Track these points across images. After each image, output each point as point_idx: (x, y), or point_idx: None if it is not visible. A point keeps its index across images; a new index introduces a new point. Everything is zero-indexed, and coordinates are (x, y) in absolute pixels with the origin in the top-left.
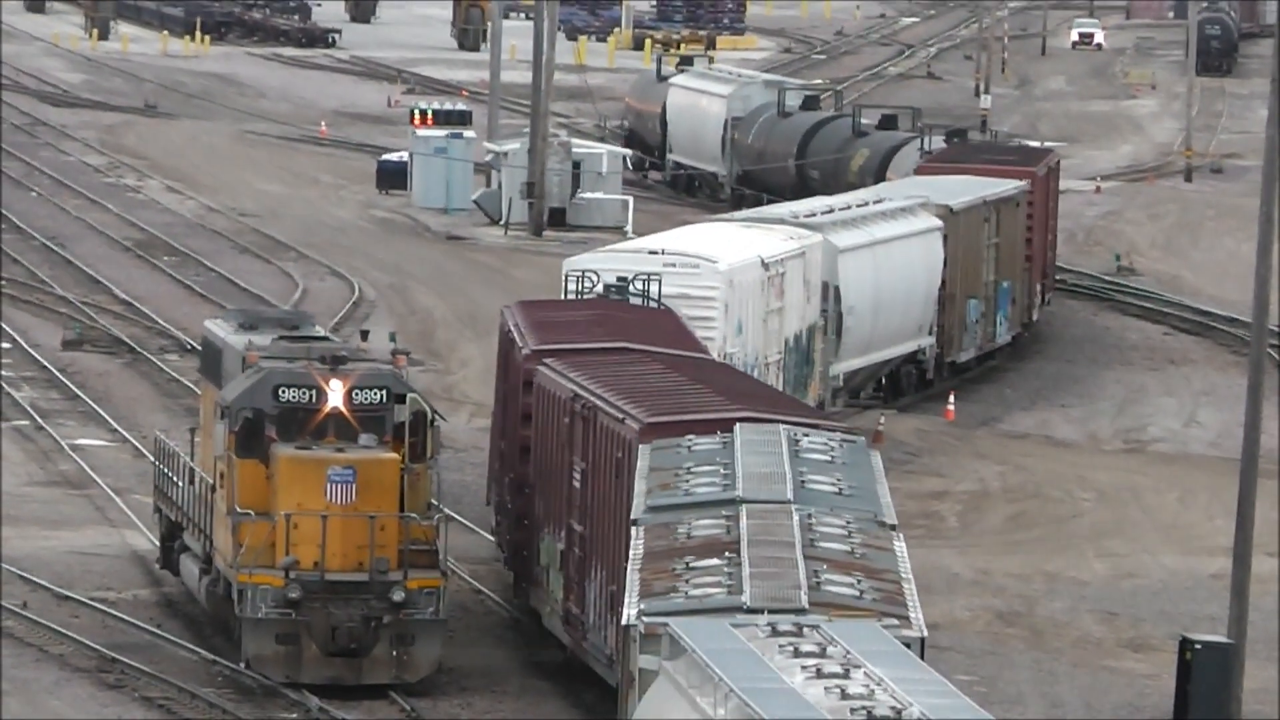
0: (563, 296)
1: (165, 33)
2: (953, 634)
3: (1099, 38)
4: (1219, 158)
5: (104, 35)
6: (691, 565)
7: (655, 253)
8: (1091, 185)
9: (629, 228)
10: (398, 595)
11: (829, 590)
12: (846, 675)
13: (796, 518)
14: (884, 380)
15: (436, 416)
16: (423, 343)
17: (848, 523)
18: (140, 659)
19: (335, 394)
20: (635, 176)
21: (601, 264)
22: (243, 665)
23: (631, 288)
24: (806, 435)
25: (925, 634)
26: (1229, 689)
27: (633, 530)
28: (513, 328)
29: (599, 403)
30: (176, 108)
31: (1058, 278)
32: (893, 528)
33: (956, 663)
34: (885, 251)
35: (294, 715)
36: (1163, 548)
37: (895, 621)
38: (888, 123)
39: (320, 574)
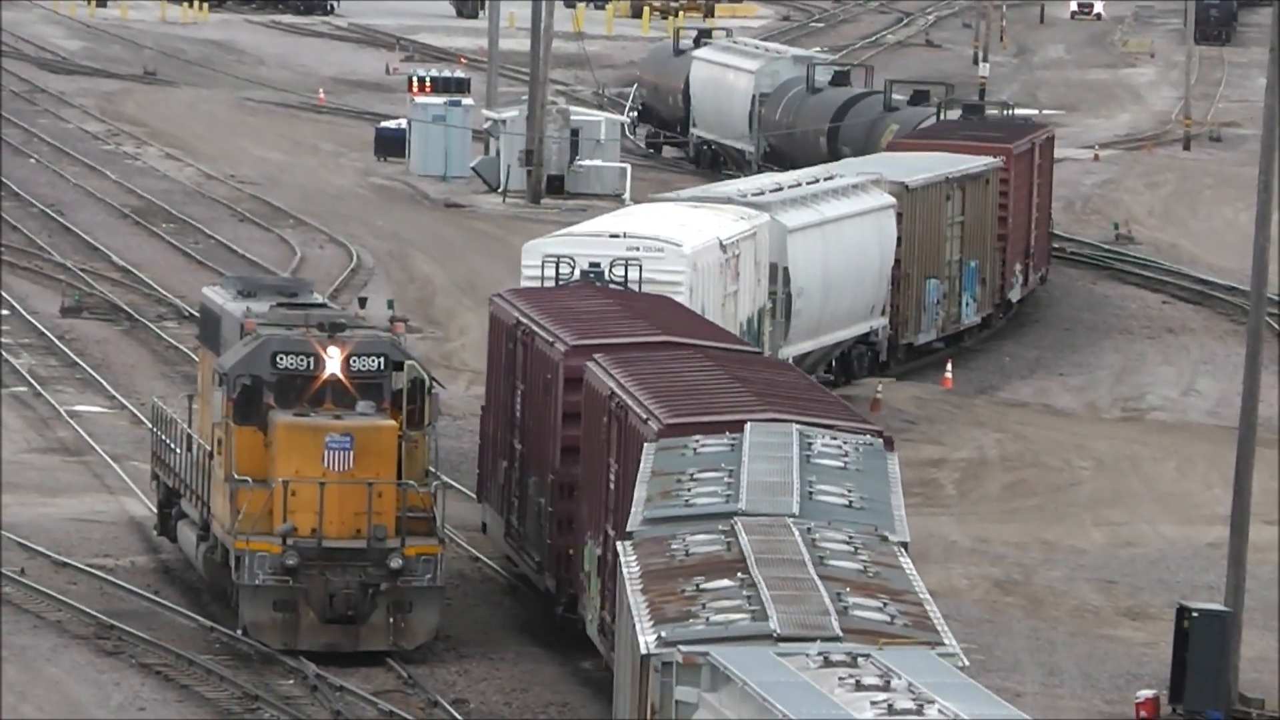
0: (522, 281)
1: (163, 0)
2: (950, 602)
3: (1098, 7)
4: (1217, 126)
5: (103, 2)
6: (702, 587)
7: (617, 236)
8: (1090, 154)
9: (627, 195)
10: (395, 562)
11: (858, 616)
12: (921, 711)
13: (797, 533)
14: (834, 363)
15: (434, 384)
16: (421, 310)
17: (850, 538)
18: (138, 626)
19: (333, 361)
20: (632, 144)
21: (562, 248)
22: (240, 632)
23: (609, 273)
24: (821, 437)
25: (967, 663)
26: (1226, 657)
27: (620, 546)
28: (526, 319)
29: (630, 401)
30: (175, 75)
31: (1055, 246)
32: (903, 545)
33: (954, 631)
34: (836, 230)
35: (291, 682)
36: (1161, 516)
37: (944, 649)
38: (919, 98)
39: (318, 541)
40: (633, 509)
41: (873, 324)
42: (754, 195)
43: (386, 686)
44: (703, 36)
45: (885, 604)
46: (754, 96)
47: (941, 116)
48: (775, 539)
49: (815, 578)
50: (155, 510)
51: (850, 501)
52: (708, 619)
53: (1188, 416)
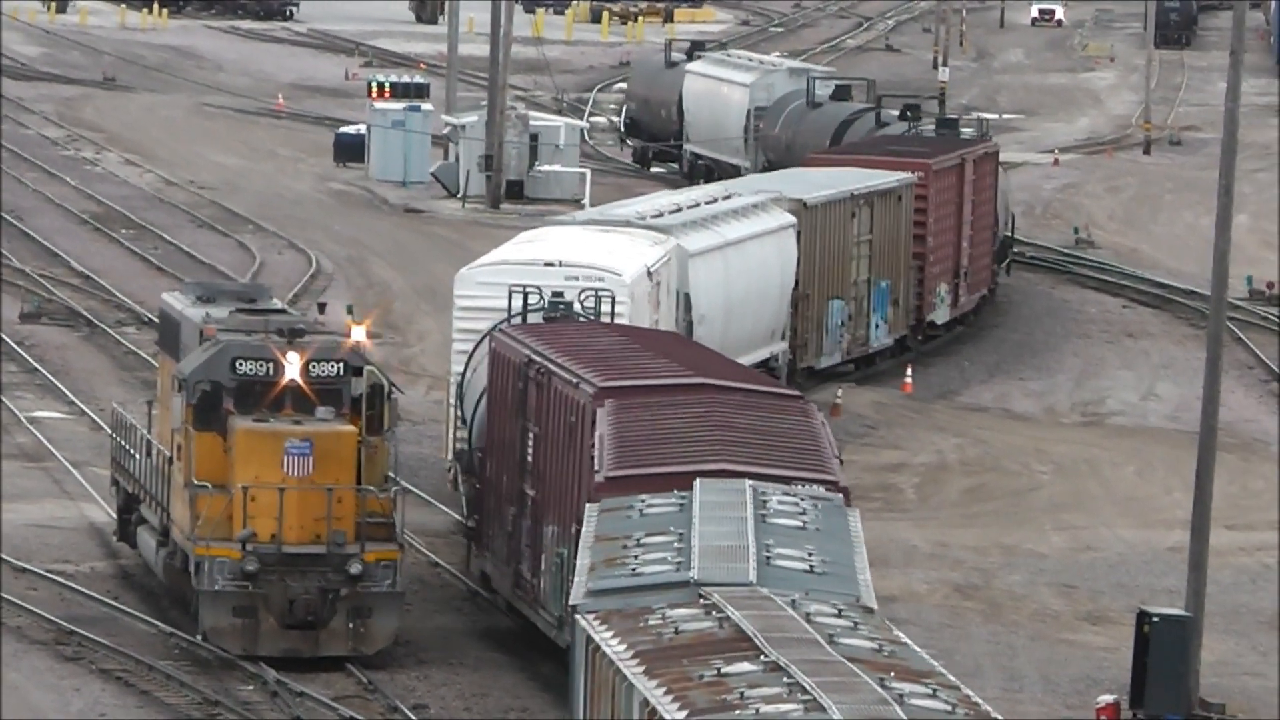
0: (455, 315)
1: (123, 5)
2: (910, 607)
3: (1059, 14)
4: (1177, 130)
5: (62, 8)
6: (725, 672)
7: (551, 264)
8: (1050, 158)
9: (586, 200)
10: (355, 568)
11: (918, 705)
12: None
13: (785, 606)
14: None
15: (394, 389)
16: (380, 315)
17: (841, 611)
18: (98, 631)
19: (292, 367)
20: (591, 148)
21: (495, 277)
22: (200, 638)
23: (578, 305)
24: (777, 494)
25: None
26: (1187, 662)
27: (585, 620)
28: (540, 357)
29: (598, 449)
30: (134, 81)
31: (1015, 250)
32: (870, 611)
33: (914, 636)
34: (737, 253)
35: (251, 687)
36: (1121, 521)
37: None
38: (910, 112)
39: (277, 546)
40: (575, 579)
41: (773, 349)
42: (654, 218)
43: (346, 692)
44: (695, 49)
45: (935, 690)
46: (749, 111)
47: (914, 129)
48: (769, 614)
49: (841, 659)
50: (115, 516)
51: (811, 566)
52: (757, 710)
53: (1147, 421)
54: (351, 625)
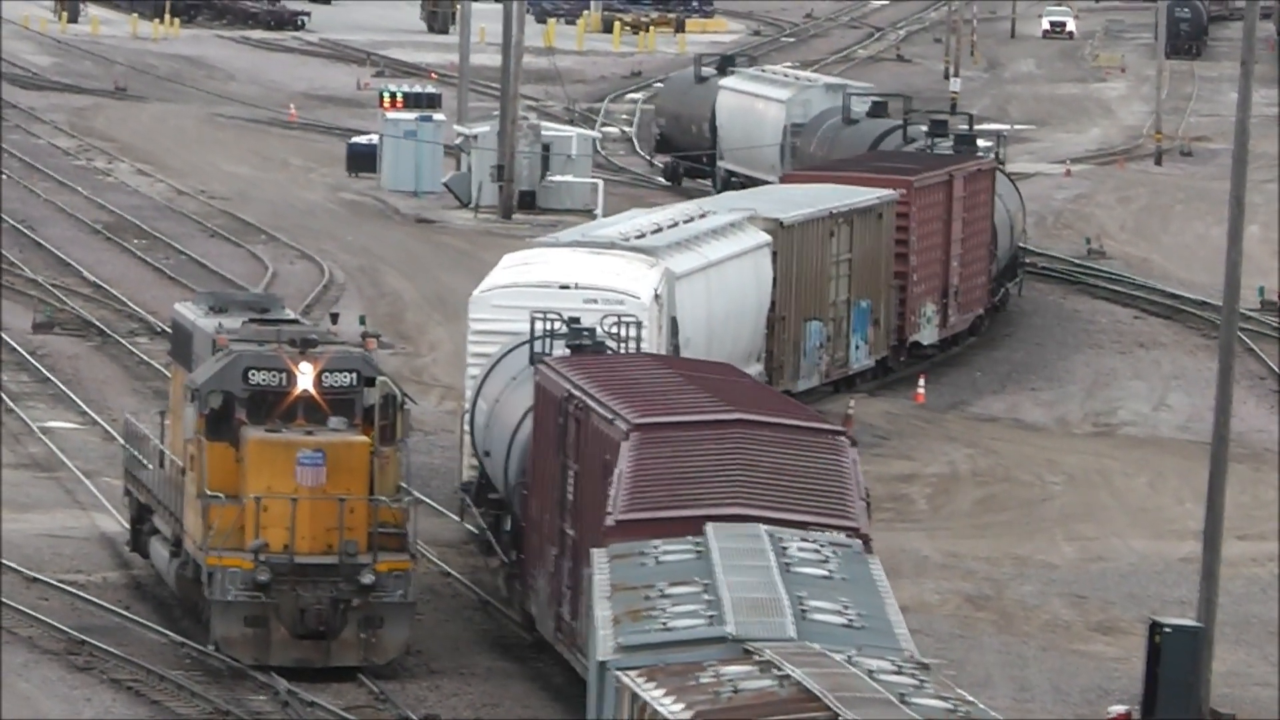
0: (469, 337)
1: (135, 15)
2: (922, 617)
3: (1070, 25)
4: (1188, 141)
5: (73, 18)
6: None
7: (568, 287)
8: (1061, 168)
9: (598, 211)
10: (367, 578)
11: None
12: None
13: (843, 661)
14: None
15: (406, 399)
16: (392, 325)
17: (900, 668)
18: (109, 641)
19: (305, 377)
20: (603, 159)
21: (511, 300)
22: (211, 648)
23: (602, 332)
24: (795, 541)
25: None
26: (1198, 672)
27: (625, 677)
28: (579, 392)
29: (612, 493)
30: (146, 90)
31: (1028, 261)
32: (925, 667)
33: (925, 646)
34: (718, 274)
35: (262, 697)
36: (1132, 531)
37: None
38: (937, 128)
39: (289, 557)
40: (599, 632)
41: (750, 371)
42: (637, 239)
43: (358, 702)
44: (726, 64)
45: None
46: (786, 127)
47: (931, 145)
48: (831, 671)
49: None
50: (127, 526)
51: (849, 620)
52: None
53: (1159, 431)
54: (363, 635)
